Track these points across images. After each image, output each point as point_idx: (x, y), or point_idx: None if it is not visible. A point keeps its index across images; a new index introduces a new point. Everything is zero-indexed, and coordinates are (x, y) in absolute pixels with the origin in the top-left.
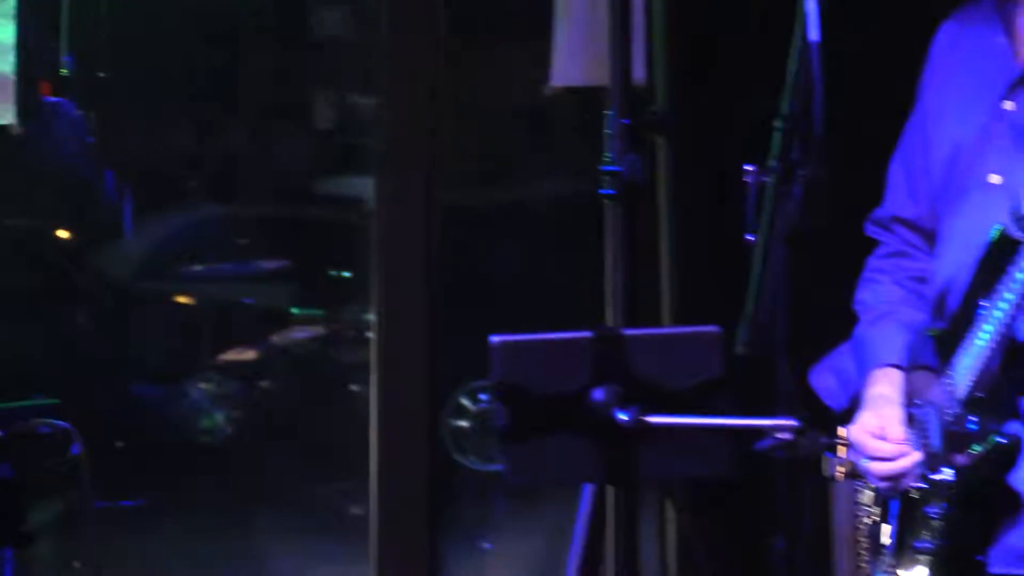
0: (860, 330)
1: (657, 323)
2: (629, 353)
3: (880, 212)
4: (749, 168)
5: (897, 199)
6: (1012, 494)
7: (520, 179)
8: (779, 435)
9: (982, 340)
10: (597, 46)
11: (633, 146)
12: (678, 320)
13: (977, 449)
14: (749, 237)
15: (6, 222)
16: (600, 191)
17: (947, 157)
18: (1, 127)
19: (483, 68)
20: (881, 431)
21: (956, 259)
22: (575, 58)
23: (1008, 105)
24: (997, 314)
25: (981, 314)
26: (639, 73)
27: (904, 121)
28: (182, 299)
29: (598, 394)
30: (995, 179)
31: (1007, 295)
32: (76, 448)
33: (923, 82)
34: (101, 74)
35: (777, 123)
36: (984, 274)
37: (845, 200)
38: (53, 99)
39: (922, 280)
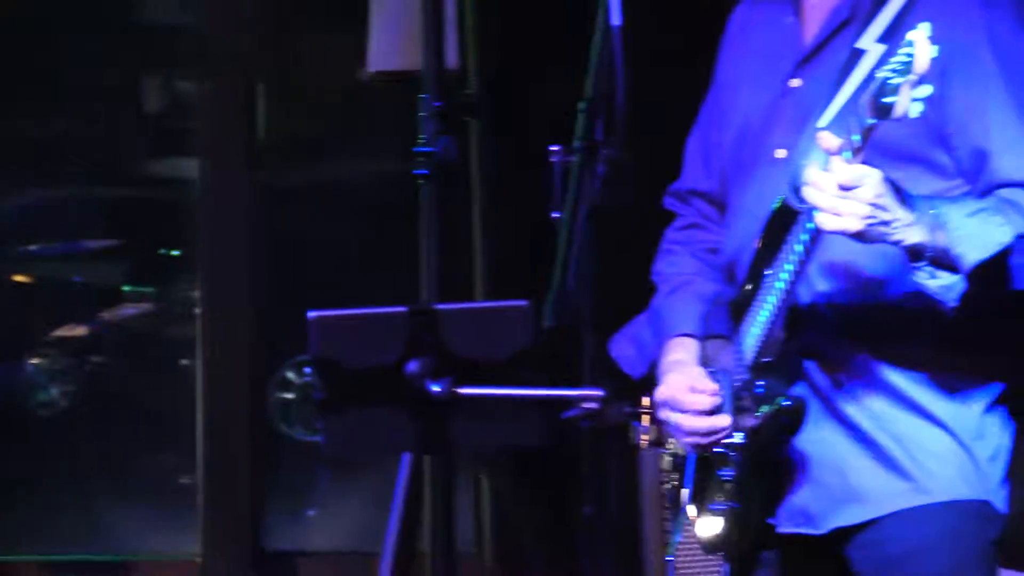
0: (657, 301)
1: (470, 298)
2: (442, 327)
3: (677, 185)
4: (555, 148)
5: (693, 173)
6: (798, 454)
7: (341, 161)
8: (585, 405)
9: (767, 307)
10: (411, 32)
11: (447, 128)
12: (491, 295)
13: (764, 411)
14: (555, 214)
15: None
16: (415, 171)
17: (737, 133)
18: None
19: (304, 54)
20: (694, 387)
21: (744, 230)
22: (390, 44)
23: (794, 82)
24: (779, 284)
25: (765, 283)
26: (452, 58)
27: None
28: (16, 278)
29: (412, 367)
30: (780, 153)
31: (787, 265)
32: None
33: (718, 61)
34: None
35: (581, 105)
36: (767, 244)
37: (649, 177)
38: None
39: (715, 251)
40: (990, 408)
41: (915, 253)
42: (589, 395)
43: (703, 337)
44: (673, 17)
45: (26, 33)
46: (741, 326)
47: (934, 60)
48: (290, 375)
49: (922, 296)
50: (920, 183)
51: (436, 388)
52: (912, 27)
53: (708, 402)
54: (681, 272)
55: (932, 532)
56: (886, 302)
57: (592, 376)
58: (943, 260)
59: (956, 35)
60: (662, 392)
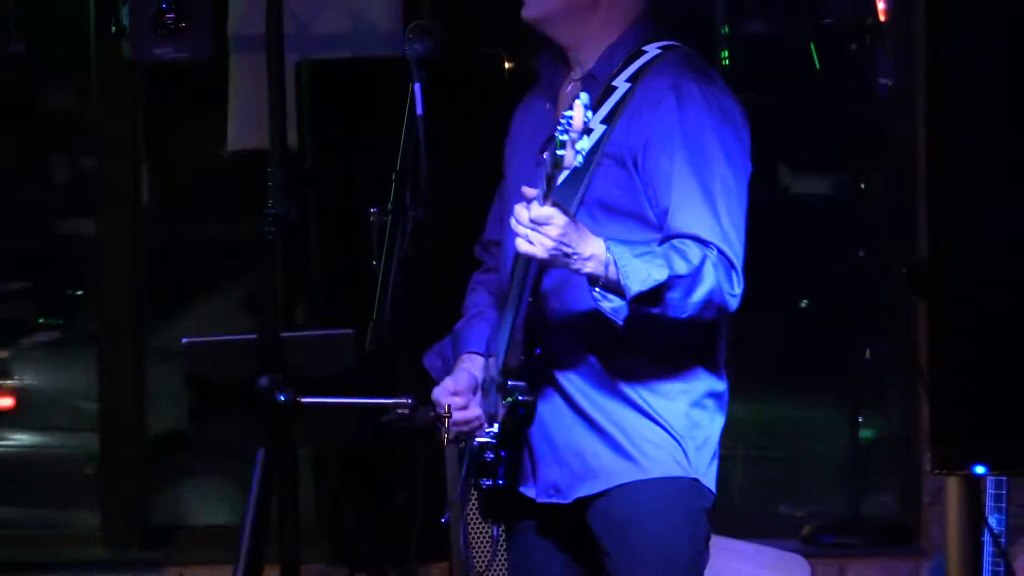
0: (458, 326)
1: (310, 326)
2: (286, 349)
3: (483, 237)
4: (373, 210)
5: (491, 228)
6: (548, 441)
7: (208, 221)
8: (399, 410)
9: (508, 320)
10: (260, 118)
11: (289, 195)
12: (324, 324)
13: (507, 403)
14: (374, 261)
15: None
16: (264, 228)
17: (509, 193)
18: None
19: (177, 135)
20: (455, 389)
21: (506, 264)
22: (244, 128)
23: (546, 154)
24: (515, 295)
25: (510, 302)
26: (292, 138)
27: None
28: None
29: (262, 381)
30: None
31: (522, 289)
32: None
33: (505, 141)
34: None
35: (394, 177)
36: (515, 276)
37: (451, 231)
38: None
39: None
40: (695, 404)
41: (592, 280)
42: (401, 403)
43: (486, 354)
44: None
45: None
46: (499, 336)
47: (642, 136)
48: None
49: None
50: (635, 232)
51: (282, 397)
52: (633, 115)
53: (461, 401)
54: (477, 304)
55: (649, 501)
56: (592, 319)
57: (404, 387)
58: (613, 288)
59: (657, 121)
60: (435, 392)
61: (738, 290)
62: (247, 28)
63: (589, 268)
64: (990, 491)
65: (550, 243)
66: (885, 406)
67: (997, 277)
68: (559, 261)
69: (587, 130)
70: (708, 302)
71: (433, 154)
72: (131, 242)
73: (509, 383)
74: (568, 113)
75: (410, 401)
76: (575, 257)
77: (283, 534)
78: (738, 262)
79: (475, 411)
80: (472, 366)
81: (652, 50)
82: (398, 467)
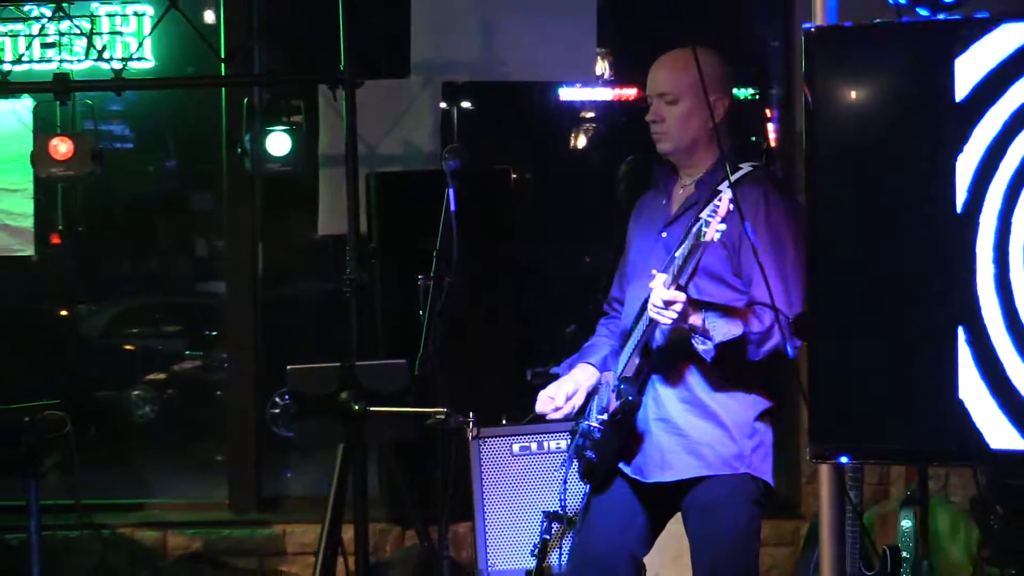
0: (584, 346)
1: (375, 358)
2: (359, 373)
3: (610, 295)
4: (420, 277)
5: (615, 289)
6: (639, 434)
7: (304, 282)
8: (437, 416)
9: (631, 345)
10: (341, 211)
11: (361, 265)
12: (387, 356)
13: (619, 401)
14: (420, 312)
15: None
16: (343, 290)
17: (632, 261)
18: None
19: (284, 224)
20: (555, 392)
21: (630, 312)
22: (330, 218)
23: (664, 235)
24: (637, 332)
25: (632, 335)
26: (363, 226)
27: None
28: (129, 346)
29: (343, 395)
30: (654, 272)
31: (642, 323)
32: (68, 427)
33: (629, 227)
34: None
35: (434, 254)
36: (639, 322)
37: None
38: None
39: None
40: (755, 417)
41: (692, 330)
42: (439, 411)
43: (601, 368)
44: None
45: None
46: (620, 357)
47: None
48: (277, 399)
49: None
50: (725, 292)
51: (356, 407)
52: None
53: (548, 404)
54: (599, 335)
55: (712, 490)
56: (687, 350)
57: (441, 400)
58: (705, 336)
59: (752, 220)
60: (540, 393)
61: (799, 342)
62: (332, 150)
63: (692, 322)
64: (850, 474)
65: (674, 315)
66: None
67: (852, 328)
68: (677, 323)
69: (724, 219)
70: (774, 351)
71: (461, 238)
72: (250, 298)
73: (623, 387)
74: (715, 204)
75: (445, 410)
76: (688, 320)
77: (356, 502)
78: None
79: (563, 411)
80: (582, 373)
81: (745, 167)
82: (436, 455)
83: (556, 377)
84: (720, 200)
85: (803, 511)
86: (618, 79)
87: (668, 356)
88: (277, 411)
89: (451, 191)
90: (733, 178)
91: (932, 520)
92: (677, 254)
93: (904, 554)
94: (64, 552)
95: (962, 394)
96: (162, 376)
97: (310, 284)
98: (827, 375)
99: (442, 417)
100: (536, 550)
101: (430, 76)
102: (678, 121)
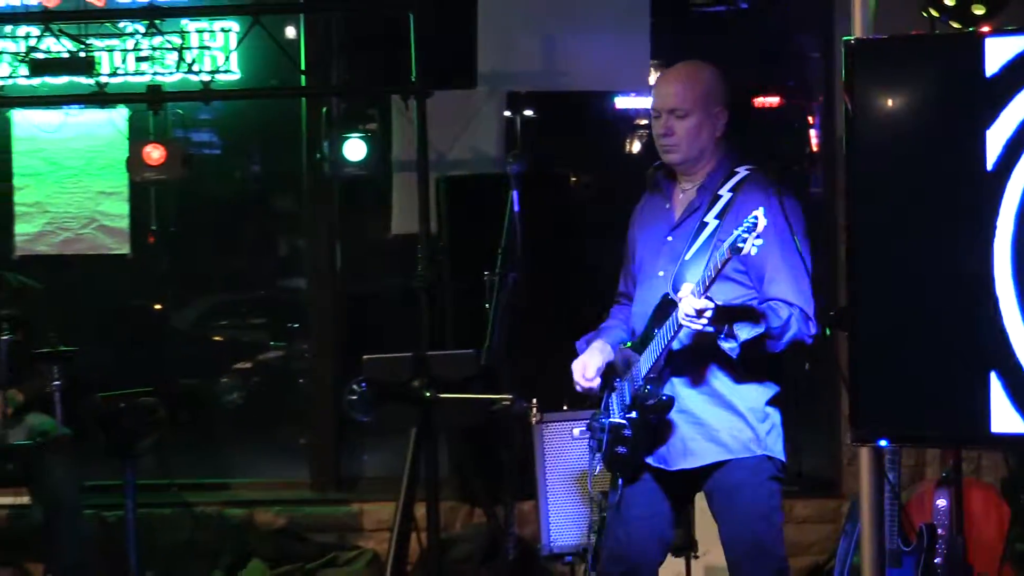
0: (601, 326)
1: (445, 348)
2: (430, 363)
3: (617, 291)
4: (486, 273)
5: (621, 284)
6: (663, 427)
7: (382, 280)
8: (503, 403)
9: (656, 348)
10: (413, 211)
11: (432, 263)
12: (455, 346)
13: (648, 402)
14: (487, 305)
15: None
16: (415, 285)
17: (639, 263)
18: None
19: (359, 223)
20: (583, 365)
21: (641, 312)
22: (403, 218)
23: (669, 239)
24: (664, 339)
25: (656, 335)
26: (433, 226)
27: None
28: (217, 338)
29: (415, 383)
30: (661, 273)
31: (668, 331)
32: (161, 413)
33: (630, 228)
34: None
35: (499, 251)
36: (656, 317)
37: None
38: None
39: (626, 319)
40: (767, 403)
41: (719, 331)
42: (505, 398)
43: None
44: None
45: None
46: (641, 356)
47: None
48: (354, 387)
49: (719, 350)
50: (736, 289)
51: (428, 394)
52: (738, 214)
53: (581, 371)
54: (614, 319)
55: (732, 472)
56: (712, 349)
57: (506, 388)
58: (729, 335)
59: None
60: (574, 364)
61: (813, 330)
62: (404, 155)
63: (720, 325)
64: (888, 456)
65: (706, 322)
66: (818, 400)
67: (891, 318)
68: (706, 328)
69: (760, 234)
70: (794, 342)
71: (524, 236)
72: (330, 293)
73: (649, 388)
74: (752, 219)
75: (510, 397)
76: (715, 324)
77: (428, 481)
78: (811, 314)
79: (596, 380)
80: (600, 345)
81: (742, 171)
82: (502, 439)
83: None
84: (759, 214)
85: (843, 491)
86: None
87: (691, 356)
88: (354, 398)
89: (515, 193)
90: (733, 181)
91: (965, 500)
92: (708, 264)
93: (939, 531)
94: (158, 528)
95: (993, 382)
96: (248, 365)
97: (384, 280)
98: (867, 363)
99: (507, 403)
100: (594, 528)
101: (495, 87)
102: (688, 134)
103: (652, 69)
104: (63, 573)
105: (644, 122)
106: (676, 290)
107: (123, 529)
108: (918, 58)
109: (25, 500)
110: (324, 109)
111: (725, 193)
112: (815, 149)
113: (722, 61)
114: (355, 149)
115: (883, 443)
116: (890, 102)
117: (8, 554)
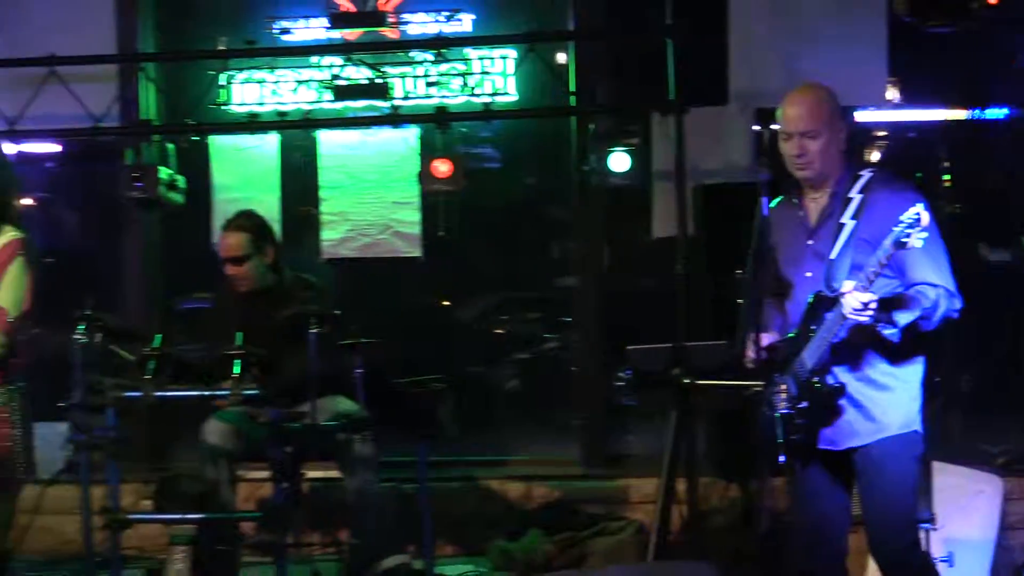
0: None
1: (699, 339)
2: (687, 352)
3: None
4: (738, 272)
5: (767, 280)
6: (830, 412)
7: (643, 277)
8: (755, 388)
9: (820, 343)
10: (671, 217)
11: (688, 261)
12: (709, 337)
13: (817, 389)
14: (739, 300)
15: None
16: (675, 281)
17: (785, 266)
18: None
19: (625, 227)
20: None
21: (795, 310)
22: (664, 222)
23: (810, 243)
24: (826, 333)
25: (816, 330)
26: (690, 228)
27: None
28: (498, 331)
29: (675, 370)
30: (809, 274)
31: (830, 324)
32: (450, 397)
33: (762, 234)
34: None
35: (750, 252)
36: (811, 314)
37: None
38: None
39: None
40: (919, 382)
41: (879, 320)
42: (756, 383)
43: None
44: None
45: None
46: (800, 352)
47: (887, 226)
48: (620, 374)
49: (880, 335)
50: (882, 280)
51: (686, 380)
52: (871, 212)
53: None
54: (768, 309)
55: (891, 448)
56: (872, 336)
57: (755, 376)
58: (889, 322)
59: (899, 209)
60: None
61: (958, 305)
62: (664, 166)
63: (881, 314)
64: None
65: (871, 314)
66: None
67: None
68: (870, 320)
69: (925, 228)
70: (944, 318)
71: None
72: (596, 290)
73: (816, 379)
74: (911, 215)
75: (759, 383)
76: (878, 315)
77: (688, 458)
78: (955, 290)
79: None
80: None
81: (866, 173)
82: (753, 421)
83: None
84: (921, 211)
85: None
86: (906, 102)
87: (850, 345)
88: (622, 384)
89: (764, 199)
90: (860, 183)
91: None
92: (871, 261)
93: None
94: (447, 500)
95: None
96: (525, 355)
97: (646, 278)
98: None
99: (758, 389)
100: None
101: (745, 103)
102: (820, 153)
103: (889, 84)
104: (365, 538)
105: (883, 134)
106: (828, 288)
107: (417, 501)
108: None
109: (334, 474)
110: (591, 126)
111: (855, 195)
112: None
113: (953, 77)
114: (620, 161)
115: None
116: None
117: (320, 521)
